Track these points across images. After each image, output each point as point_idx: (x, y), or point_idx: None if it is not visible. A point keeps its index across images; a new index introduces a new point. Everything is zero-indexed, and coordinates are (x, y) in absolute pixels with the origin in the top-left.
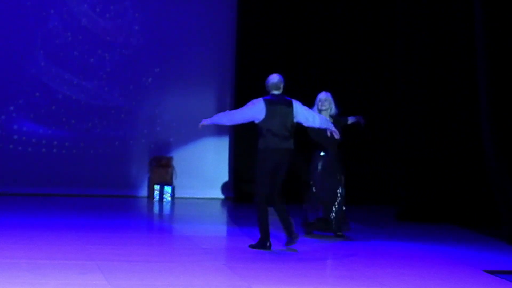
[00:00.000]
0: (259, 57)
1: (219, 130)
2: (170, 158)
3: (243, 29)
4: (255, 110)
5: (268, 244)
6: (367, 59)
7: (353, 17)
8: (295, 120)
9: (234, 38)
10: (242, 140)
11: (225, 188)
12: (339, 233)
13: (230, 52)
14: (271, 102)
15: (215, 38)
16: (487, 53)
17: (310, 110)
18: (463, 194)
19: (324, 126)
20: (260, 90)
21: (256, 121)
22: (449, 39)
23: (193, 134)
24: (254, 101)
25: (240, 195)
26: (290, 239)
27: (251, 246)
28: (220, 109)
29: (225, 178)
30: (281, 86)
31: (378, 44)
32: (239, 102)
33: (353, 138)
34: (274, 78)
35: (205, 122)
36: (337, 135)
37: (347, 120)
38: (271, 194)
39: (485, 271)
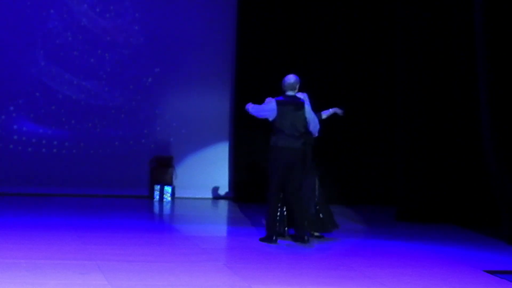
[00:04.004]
0: (259, 57)
1: (219, 130)
2: (170, 158)
3: (243, 29)
4: (267, 109)
5: (273, 238)
6: (367, 59)
7: (353, 17)
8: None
9: (234, 38)
10: (242, 140)
11: (225, 188)
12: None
13: (230, 52)
14: (282, 103)
15: (215, 38)
16: (487, 53)
17: (312, 114)
18: (463, 194)
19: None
20: (260, 90)
21: (270, 119)
22: (449, 39)
23: (193, 134)
24: (268, 99)
25: (240, 195)
26: (297, 237)
27: (261, 240)
28: (220, 109)
29: (225, 178)
30: (297, 86)
31: (378, 44)
32: (239, 102)
33: (353, 137)
34: (290, 78)
35: (249, 107)
36: None
37: (320, 116)
38: (283, 190)
39: (485, 271)
